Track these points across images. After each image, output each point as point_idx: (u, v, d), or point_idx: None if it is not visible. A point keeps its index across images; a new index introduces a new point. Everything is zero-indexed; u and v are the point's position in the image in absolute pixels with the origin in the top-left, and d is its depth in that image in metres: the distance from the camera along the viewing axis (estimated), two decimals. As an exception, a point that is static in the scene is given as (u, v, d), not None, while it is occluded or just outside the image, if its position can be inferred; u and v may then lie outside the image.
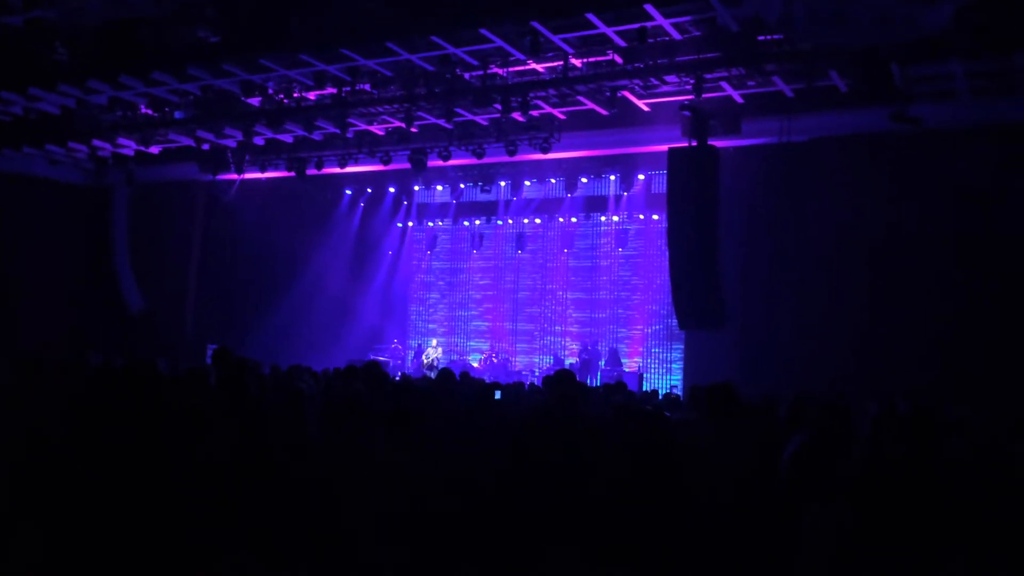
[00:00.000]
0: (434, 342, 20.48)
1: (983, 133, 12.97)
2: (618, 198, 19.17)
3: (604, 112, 14.06)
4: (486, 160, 16.34)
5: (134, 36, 12.61)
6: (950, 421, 5.17)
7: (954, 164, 13.00)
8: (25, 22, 12.37)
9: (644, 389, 14.40)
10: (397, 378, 10.59)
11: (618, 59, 12.59)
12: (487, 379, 11.83)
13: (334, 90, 14.60)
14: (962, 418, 5.55)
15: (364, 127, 16.37)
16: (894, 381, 11.95)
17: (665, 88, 13.09)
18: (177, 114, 16.06)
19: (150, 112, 16.23)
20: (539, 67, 13.24)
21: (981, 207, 12.98)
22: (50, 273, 19.82)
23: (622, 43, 12.32)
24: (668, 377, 18.51)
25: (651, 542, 3.77)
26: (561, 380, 5.70)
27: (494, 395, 7.08)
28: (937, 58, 11.69)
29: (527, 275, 20.99)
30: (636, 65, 12.45)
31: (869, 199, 13.95)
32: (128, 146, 17.94)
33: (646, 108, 14.44)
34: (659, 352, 19.07)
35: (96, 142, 17.75)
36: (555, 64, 13.05)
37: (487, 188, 19.03)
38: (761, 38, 11.66)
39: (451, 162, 16.50)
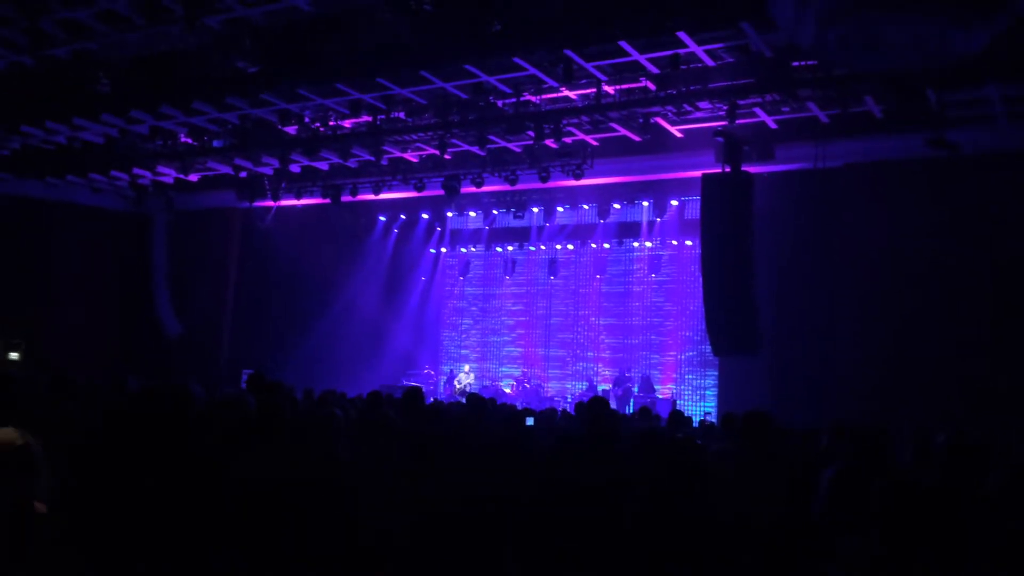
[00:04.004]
0: (466, 368, 20.51)
1: (1021, 158, 12.80)
2: (651, 224, 19.14)
3: (637, 138, 14.09)
4: (519, 186, 16.44)
5: (174, 67, 12.89)
6: (989, 450, 5.07)
7: (991, 190, 12.83)
8: (70, 54, 12.69)
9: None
10: (428, 403, 10.60)
11: (651, 86, 12.60)
12: (519, 405, 11.82)
13: (369, 118, 14.79)
14: (1002, 447, 5.44)
15: (398, 154, 16.54)
16: (930, 409, 11.75)
17: (698, 114, 13.08)
18: (216, 143, 16.36)
19: (190, 141, 16.55)
20: (572, 94, 13.31)
21: (1019, 233, 12.78)
22: (91, 298, 20.18)
23: (655, 70, 12.33)
24: (702, 404, 18.34)
25: (681, 571, 3.73)
26: (594, 406, 5.70)
27: (526, 421, 7.08)
28: (974, 83, 11.58)
29: (559, 301, 20.98)
30: (669, 91, 12.43)
31: (904, 225, 13.76)
32: (168, 174, 18.31)
33: (679, 134, 14.44)
34: (693, 379, 18.93)
35: (137, 170, 18.14)
36: (588, 91, 13.10)
37: (520, 214, 19.08)
38: (795, 64, 11.62)
39: (484, 188, 16.62)
